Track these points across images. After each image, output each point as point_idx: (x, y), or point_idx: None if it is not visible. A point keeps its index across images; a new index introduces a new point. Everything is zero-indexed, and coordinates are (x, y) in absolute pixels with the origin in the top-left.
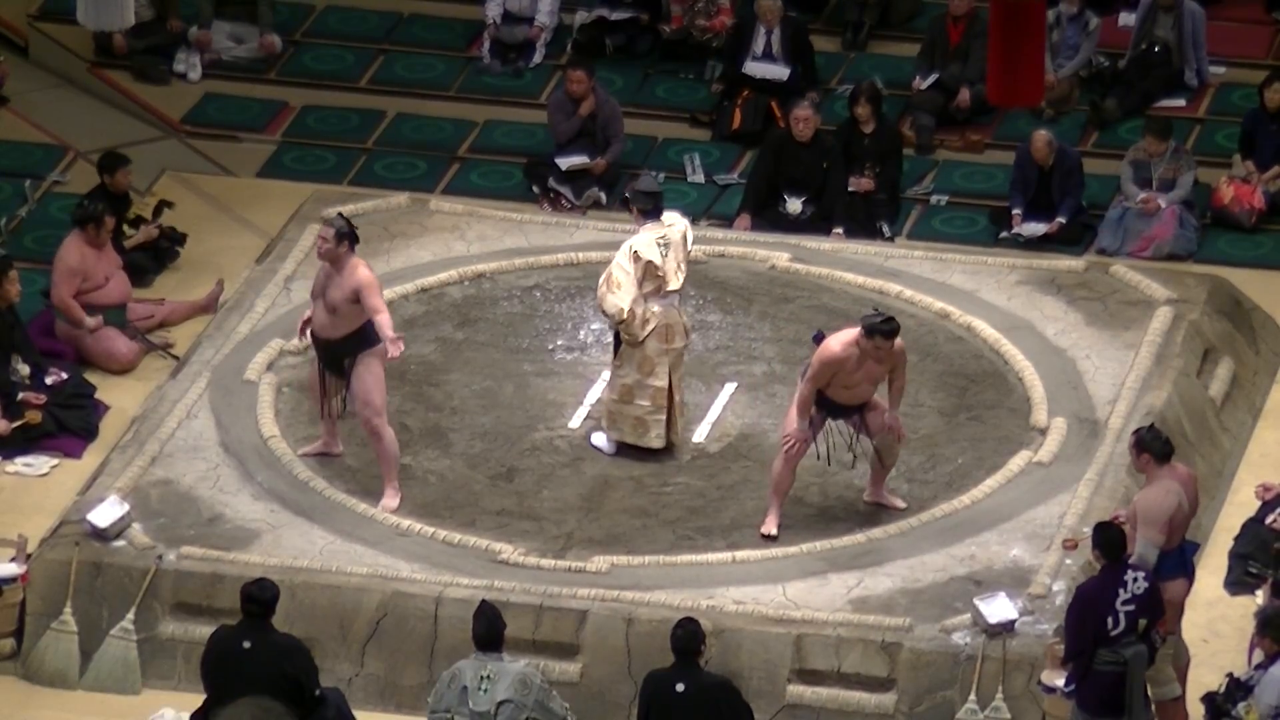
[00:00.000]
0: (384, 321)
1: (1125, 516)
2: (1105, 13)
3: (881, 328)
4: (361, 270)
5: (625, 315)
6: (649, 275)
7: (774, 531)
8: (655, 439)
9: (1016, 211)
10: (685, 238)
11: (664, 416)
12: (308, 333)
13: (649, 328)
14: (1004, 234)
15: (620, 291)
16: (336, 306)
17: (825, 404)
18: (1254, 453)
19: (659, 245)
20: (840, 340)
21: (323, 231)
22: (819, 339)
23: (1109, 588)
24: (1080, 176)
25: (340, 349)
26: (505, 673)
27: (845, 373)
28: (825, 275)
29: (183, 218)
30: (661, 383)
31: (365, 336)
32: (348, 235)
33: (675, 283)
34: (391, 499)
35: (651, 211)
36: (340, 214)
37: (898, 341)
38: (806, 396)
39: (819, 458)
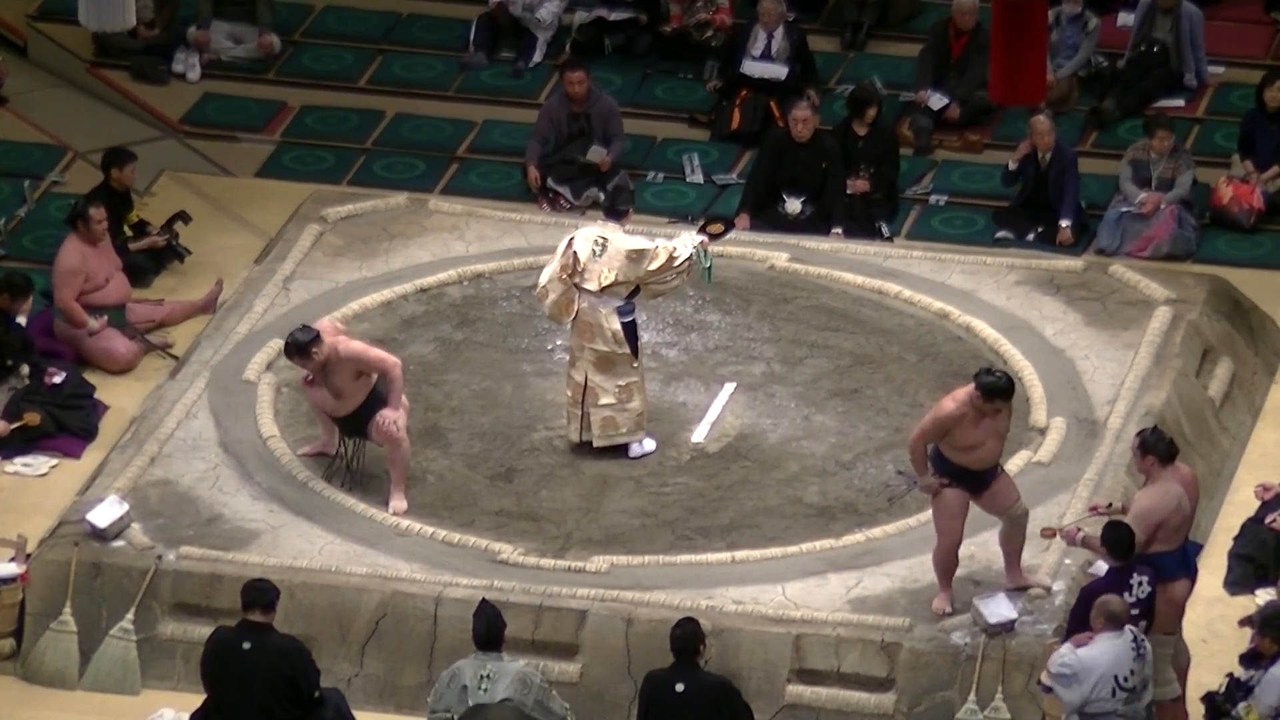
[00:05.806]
0: (388, 371)
1: (1103, 508)
2: (1104, 12)
3: (1002, 388)
4: (344, 345)
5: (539, 289)
6: (568, 264)
7: (948, 609)
8: (571, 431)
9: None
10: (633, 255)
11: (579, 411)
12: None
13: (548, 300)
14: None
15: (547, 267)
16: (341, 389)
17: (949, 470)
18: (1253, 453)
19: (595, 242)
20: (954, 397)
21: (300, 365)
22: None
23: (1115, 591)
24: (1075, 171)
25: (358, 418)
26: (505, 672)
27: (961, 431)
28: (824, 275)
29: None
30: (579, 377)
31: (376, 398)
32: (307, 342)
33: (593, 283)
34: (400, 502)
35: (614, 212)
36: (290, 335)
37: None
38: (917, 449)
39: (890, 502)
